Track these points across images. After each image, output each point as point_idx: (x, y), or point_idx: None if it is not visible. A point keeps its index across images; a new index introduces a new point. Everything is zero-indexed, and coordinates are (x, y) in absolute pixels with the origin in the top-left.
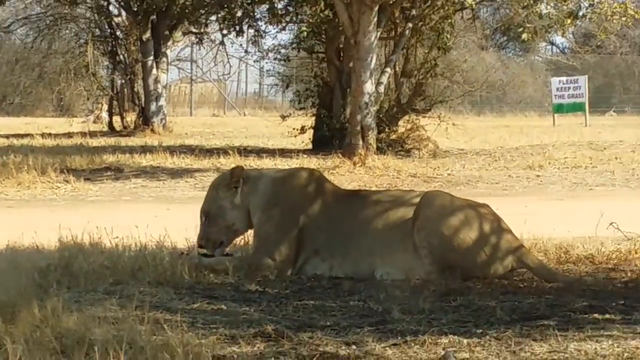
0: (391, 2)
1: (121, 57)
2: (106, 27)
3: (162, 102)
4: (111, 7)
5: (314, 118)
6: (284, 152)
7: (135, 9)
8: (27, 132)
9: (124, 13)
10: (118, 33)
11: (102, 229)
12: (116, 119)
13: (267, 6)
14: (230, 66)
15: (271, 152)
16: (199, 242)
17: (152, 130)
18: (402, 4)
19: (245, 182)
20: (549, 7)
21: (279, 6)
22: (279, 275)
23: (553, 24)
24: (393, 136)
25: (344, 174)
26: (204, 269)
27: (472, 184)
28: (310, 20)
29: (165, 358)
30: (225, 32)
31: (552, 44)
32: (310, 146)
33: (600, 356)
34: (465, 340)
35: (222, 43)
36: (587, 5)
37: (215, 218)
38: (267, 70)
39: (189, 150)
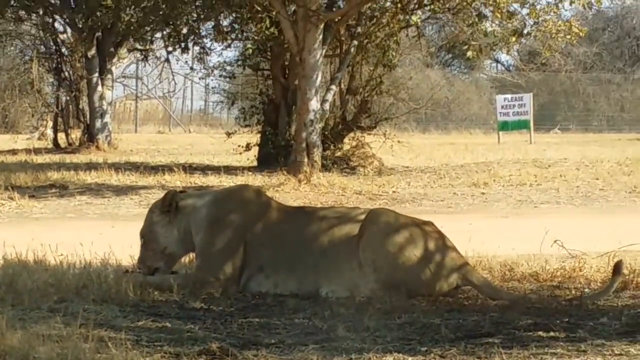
0: (337, 19)
1: (66, 73)
2: (51, 44)
3: (107, 119)
4: (56, 24)
5: (259, 135)
6: (229, 170)
7: (81, 26)
8: None
9: (69, 30)
10: (63, 50)
11: (47, 247)
12: (61, 136)
13: (213, 23)
14: (176, 83)
15: (216, 169)
16: (137, 266)
17: (97, 147)
18: (347, 22)
19: (183, 204)
20: (493, 25)
21: (225, 23)
22: (224, 292)
23: (498, 42)
24: (338, 153)
25: (289, 191)
26: (148, 286)
27: (417, 202)
28: (256, 38)
29: None
30: (170, 49)
31: (497, 61)
32: (255, 163)
33: None
34: (410, 358)
35: (167, 60)
36: (531, 23)
37: (149, 242)
38: (212, 88)
39: (134, 167)
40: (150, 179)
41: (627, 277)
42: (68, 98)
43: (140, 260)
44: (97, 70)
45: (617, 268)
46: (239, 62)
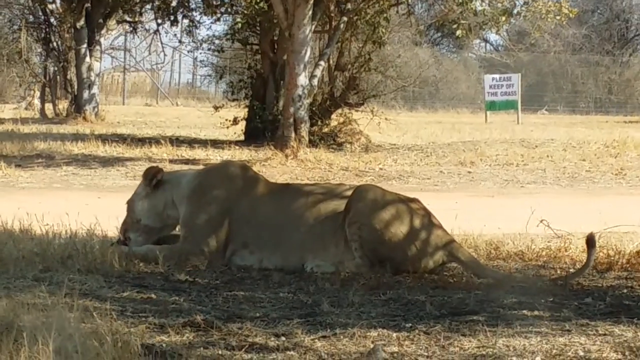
0: None
1: (55, 44)
2: (40, 13)
3: (94, 90)
4: None
5: (246, 109)
6: (216, 143)
7: None
8: None
9: (58, 0)
10: (52, 20)
11: (33, 216)
12: (48, 106)
13: None
14: (165, 55)
15: (203, 143)
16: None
17: (84, 118)
18: None
19: (167, 178)
20: (483, 4)
21: None
22: (209, 265)
23: (487, 21)
24: (325, 129)
25: (276, 166)
26: (134, 257)
27: (403, 179)
28: (245, 12)
29: (93, 346)
30: (159, 21)
31: (486, 41)
32: (242, 138)
33: (529, 352)
34: (394, 334)
35: (156, 32)
36: (521, 3)
37: (128, 211)
38: (200, 61)
39: (121, 139)
40: (136, 151)
41: (612, 258)
42: (56, 68)
43: (120, 226)
44: (86, 41)
45: (590, 241)
46: (228, 36)
